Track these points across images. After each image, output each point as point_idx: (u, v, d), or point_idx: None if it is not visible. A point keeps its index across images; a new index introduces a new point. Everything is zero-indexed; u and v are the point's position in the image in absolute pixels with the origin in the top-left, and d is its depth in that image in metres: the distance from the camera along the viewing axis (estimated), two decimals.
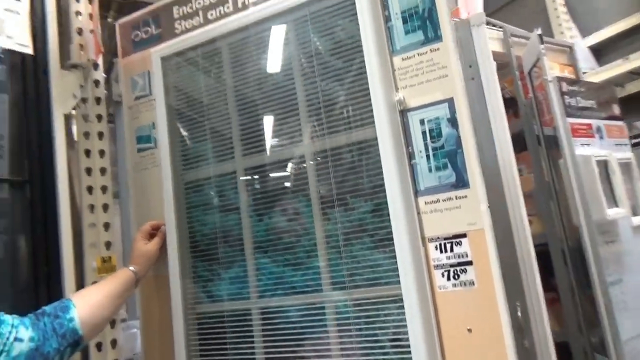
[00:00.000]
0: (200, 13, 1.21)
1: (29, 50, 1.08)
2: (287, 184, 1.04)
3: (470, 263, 0.87)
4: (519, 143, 1.89)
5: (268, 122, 1.08)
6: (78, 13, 1.31)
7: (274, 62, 1.08)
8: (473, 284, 0.86)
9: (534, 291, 1.29)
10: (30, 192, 1.05)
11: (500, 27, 2.03)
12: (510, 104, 1.97)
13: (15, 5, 1.07)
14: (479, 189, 0.87)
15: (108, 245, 1.21)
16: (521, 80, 1.94)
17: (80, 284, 1.16)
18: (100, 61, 1.33)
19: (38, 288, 1.04)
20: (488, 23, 2.04)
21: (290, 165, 1.05)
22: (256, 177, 1.08)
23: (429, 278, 0.89)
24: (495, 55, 1.98)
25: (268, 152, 1.07)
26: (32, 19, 1.10)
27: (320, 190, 1.00)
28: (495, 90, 1.36)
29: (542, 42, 1.72)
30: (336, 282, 0.96)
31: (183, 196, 1.15)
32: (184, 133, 1.17)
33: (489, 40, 1.99)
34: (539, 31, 1.78)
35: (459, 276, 0.87)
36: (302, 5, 1.04)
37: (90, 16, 1.34)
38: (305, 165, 1.02)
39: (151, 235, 1.10)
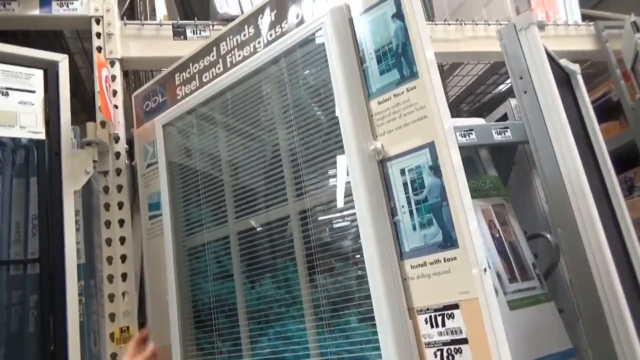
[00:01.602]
0: (197, 77, 1.22)
1: (41, 136, 1.16)
2: (274, 248, 0.97)
3: (465, 341, 0.71)
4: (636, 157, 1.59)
5: (256, 182, 1.03)
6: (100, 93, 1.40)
7: (255, 120, 1.04)
8: None
9: (630, 355, 1.05)
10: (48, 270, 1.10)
11: (592, 21, 1.75)
12: (620, 108, 1.69)
13: (30, 97, 1.17)
14: (470, 248, 0.72)
15: (126, 314, 1.22)
16: (626, 80, 1.67)
17: None
18: (122, 134, 1.39)
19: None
20: (584, 18, 1.77)
21: (276, 227, 0.97)
22: (248, 240, 1.03)
23: (419, 359, 0.74)
24: (590, 53, 1.73)
25: (257, 215, 1.01)
26: (46, 106, 1.19)
27: (304, 254, 0.91)
28: (554, 102, 1.16)
29: (637, 30, 1.46)
30: None
31: (187, 263, 1.13)
32: (186, 199, 1.16)
33: (577, 39, 1.73)
34: (632, 17, 1.50)
35: (453, 357, 0.72)
36: (279, 58, 1.00)
37: (114, 92, 1.43)
38: (290, 226, 0.95)
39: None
